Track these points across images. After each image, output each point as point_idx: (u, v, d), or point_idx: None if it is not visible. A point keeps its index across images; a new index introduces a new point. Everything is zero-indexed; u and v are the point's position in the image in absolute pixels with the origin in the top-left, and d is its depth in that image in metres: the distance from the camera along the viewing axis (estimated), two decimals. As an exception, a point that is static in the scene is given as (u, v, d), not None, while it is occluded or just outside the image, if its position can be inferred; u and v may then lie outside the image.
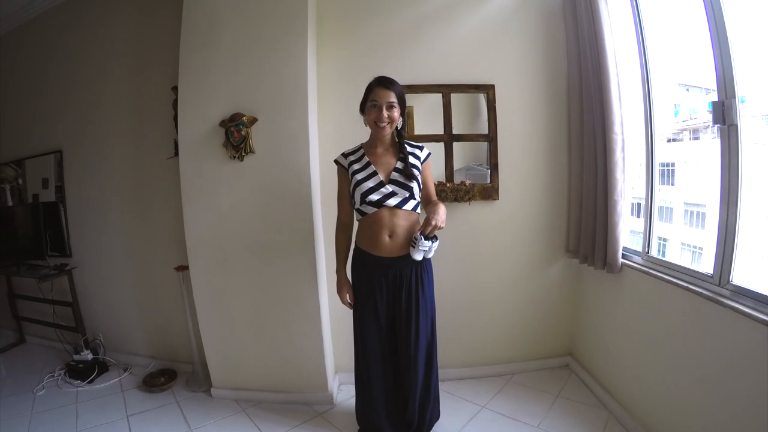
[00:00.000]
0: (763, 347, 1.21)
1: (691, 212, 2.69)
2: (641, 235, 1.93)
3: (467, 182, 2.25)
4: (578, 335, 2.40)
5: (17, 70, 2.95)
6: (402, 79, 2.17)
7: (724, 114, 1.36)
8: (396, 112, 1.61)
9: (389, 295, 1.66)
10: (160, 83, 2.35)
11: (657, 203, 1.88)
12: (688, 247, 2.61)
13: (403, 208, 1.61)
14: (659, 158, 1.87)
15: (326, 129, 2.20)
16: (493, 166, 2.27)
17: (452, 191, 2.23)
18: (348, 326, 1.81)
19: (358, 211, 1.66)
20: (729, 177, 1.39)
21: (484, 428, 1.95)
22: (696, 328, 1.51)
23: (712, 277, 1.47)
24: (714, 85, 1.40)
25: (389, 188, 1.60)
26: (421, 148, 1.73)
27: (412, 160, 1.66)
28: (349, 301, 1.75)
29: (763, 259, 1.66)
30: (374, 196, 1.60)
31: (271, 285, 2.12)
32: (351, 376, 1.86)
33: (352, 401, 1.91)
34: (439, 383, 1.83)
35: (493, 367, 2.40)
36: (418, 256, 1.54)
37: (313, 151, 2.07)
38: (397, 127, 1.65)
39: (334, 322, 2.29)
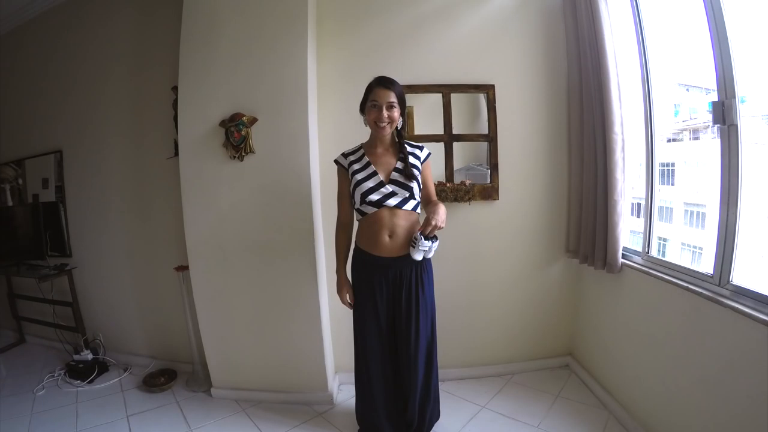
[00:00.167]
0: (763, 347, 1.21)
1: (691, 212, 2.69)
2: (641, 235, 1.93)
3: (467, 182, 2.25)
4: (578, 335, 2.40)
5: (17, 70, 2.95)
6: (402, 79, 2.17)
7: (724, 114, 1.36)
8: (396, 112, 1.61)
9: (389, 295, 1.66)
10: (160, 83, 2.35)
11: (657, 203, 1.88)
12: (688, 247, 2.61)
13: (403, 208, 1.61)
14: (659, 158, 1.87)
15: (326, 129, 2.20)
16: (493, 166, 2.27)
17: (452, 191, 2.23)
18: (348, 326, 1.81)
19: (358, 211, 1.66)
20: (729, 177, 1.39)
21: (484, 428, 1.95)
22: (696, 328, 1.51)
23: (712, 277, 1.47)
24: (714, 85, 1.40)
25: (389, 188, 1.60)
26: (421, 148, 1.73)
27: (412, 160, 1.66)
28: (349, 301, 1.75)
29: (763, 259, 1.66)
30: (374, 196, 1.60)
31: (271, 285, 2.12)
32: (351, 376, 1.86)
33: (352, 401, 1.91)
34: (440, 383, 1.83)
35: (493, 367, 2.40)
36: (418, 256, 1.54)
37: (313, 151, 2.07)
38: (397, 127, 1.65)
39: (334, 322, 2.29)
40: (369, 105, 1.61)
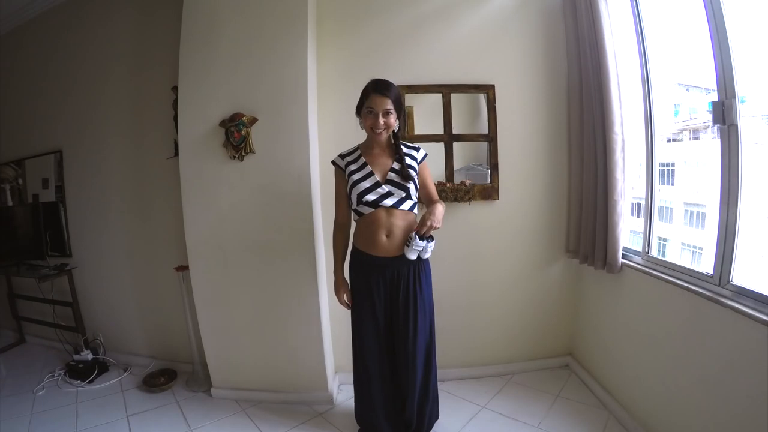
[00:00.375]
0: (763, 347, 1.21)
1: (691, 212, 2.69)
2: (641, 235, 1.93)
3: (467, 182, 2.25)
4: (578, 335, 2.40)
5: (17, 70, 2.95)
6: (402, 79, 2.19)
7: (724, 114, 1.36)
8: (392, 118, 1.60)
9: (387, 295, 1.66)
10: (160, 83, 2.35)
11: (657, 203, 1.88)
12: (688, 247, 2.61)
13: (400, 208, 1.61)
14: (659, 158, 1.87)
15: (326, 129, 2.20)
16: (493, 166, 2.27)
17: (452, 191, 2.23)
18: (348, 326, 1.81)
19: (355, 211, 1.66)
20: (729, 177, 1.39)
21: (484, 428, 1.95)
22: (696, 328, 1.51)
23: (712, 277, 1.47)
24: (714, 85, 1.40)
25: (386, 188, 1.61)
26: (417, 149, 1.73)
27: (408, 161, 1.66)
28: (346, 301, 1.75)
29: (763, 259, 1.66)
30: (371, 197, 1.60)
31: (271, 285, 2.12)
32: (351, 376, 1.86)
33: (352, 401, 1.90)
34: (440, 383, 1.83)
35: (493, 367, 2.40)
36: (413, 256, 1.55)
37: (313, 151, 2.07)
38: (393, 129, 1.65)
39: (334, 322, 2.29)
40: (365, 111, 1.60)
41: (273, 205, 2.06)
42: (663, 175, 2.26)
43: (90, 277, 2.79)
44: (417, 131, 2.24)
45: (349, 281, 1.77)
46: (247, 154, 2.03)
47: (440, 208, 1.56)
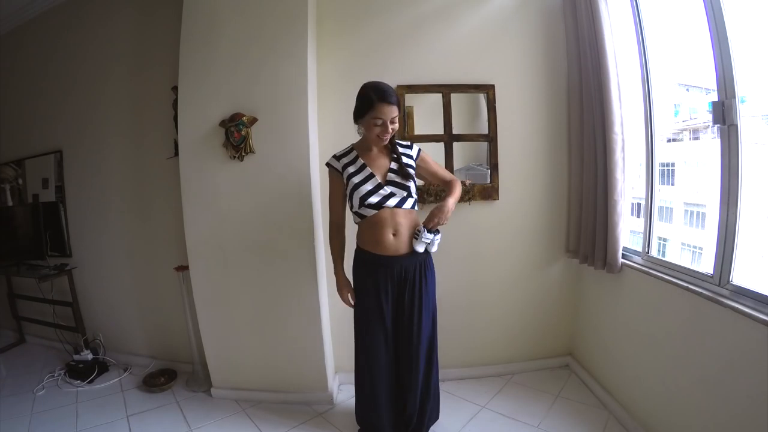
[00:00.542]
0: (763, 347, 1.21)
1: (691, 212, 2.69)
2: (641, 235, 1.93)
3: (467, 182, 2.24)
4: (578, 335, 2.40)
5: (17, 70, 2.95)
6: (402, 79, 2.19)
7: (724, 114, 1.36)
8: (397, 123, 1.59)
9: (394, 294, 1.66)
10: (160, 83, 2.35)
11: (657, 203, 1.88)
12: (688, 247, 2.61)
13: (403, 207, 1.62)
14: (659, 158, 1.87)
15: (326, 129, 2.20)
16: (493, 166, 2.27)
17: (452, 191, 2.23)
18: (348, 326, 1.80)
19: (357, 214, 1.65)
20: (729, 177, 1.39)
21: (484, 428, 1.95)
22: (696, 328, 1.51)
23: (712, 277, 1.47)
24: (714, 85, 1.40)
25: (388, 189, 1.61)
26: (410, 147, 1.73)
27: (404, 159, 1.66)
28: (350, 300, 1.75)
29: (763, 259, 1.66)
30: (374, 199, 1.59)
31: (271, 285, 2.12)
32: (351, 376, 1.86)
33: (352, 401, 1.91)
34: (440, 383, 1.83)
35: (493, 367, 2.40)
36: (421, 248, 1.60)
37: (313, 151, 2.07)
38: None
39: (334, 322, 2.29)
40: (371, 122, 1.55)
41: (273, 205, 2.06)
42: (663, 175, 2.27)
43: (90, 277, 2.79)
44: (417, 131, 2.24)
45: (352, 281, 1.76)
46: (247, 154, 2.03)
47: (450, 204, 1.61)
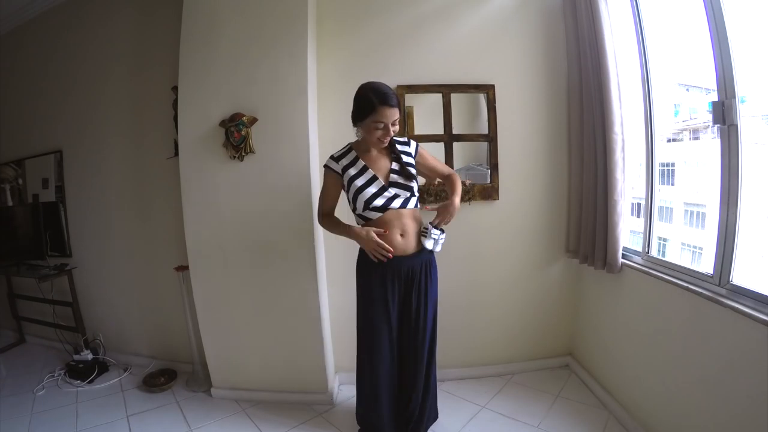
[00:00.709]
0: (763, 347, 1.21)
1: (691, 212, 2.69)
2: (641, 235, 1.93)
3: (467, 182, 2.24)
4: (578, 335, 2.40)
5: (17, 70, 2.95)
6: (402, 79, 2.19)
7: (724, 114, 1.36)
8: (397, 125, 1.58)
9: (400, 293, 1.65)
10: (160, 83, 2.35)
11: (657, 203, 1.88)
12: (688, 247, 2.61)
13: (407, 207, 1.62)
14: (659, 158, 1.87)
15: (326, 129, 2.20)
16: (493, 166, 2.27)
17: (452, 191, 2.23)
18: (348, 326, 1.81)
19: (361, 216, 1.64)
20: (729, 177, 1.39)
21: (484, 428, 1.95)
22: (696, 328, 1.51)
23: (712, 277, 1.47)
24: (714, 85, 1.40)
25: (392, 191, 1.60)
26: (408, 143, 1.72)
27: (404, 158, 1.65)
28: (376, 238, 1.55)
29: (763, 259, 1.66)
30: (379, 201, 1.58)
31: (271, 285, 2.12)
32: (351, 376, 1.86)
33: (352, 401, 1.91)
34: (440, 383, 1.84)
35: (493, 367, 2.40)
36: (430, 245, 1.62)
37: (313, 151, 2.07)
38: None
39: (334, 322, 2.29)
40: (372, 125, 1.53)
41: (273, 205, 2.06)
42: (663, 175, 2.27)
43: (90, 277, 2.79)
44: (417, 131, 2.24)
45: (357, 281, 1.74)
46: (247, 154, 2.03)
47: (456, 203, 1.64)
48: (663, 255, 1.88)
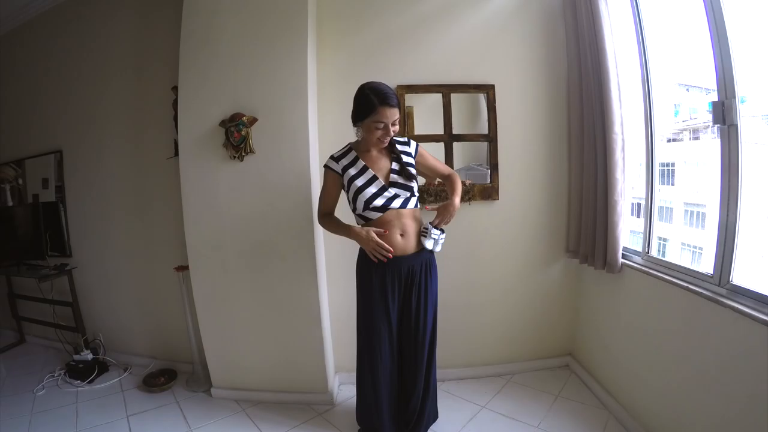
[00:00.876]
0: (763, 347, 1.21)
1: (691, 212, 2.69)
2: (641, 235, 1.93)
3: (467, 182, 2.25)
4: (578, 335, 2.40)
5: (17, 70, 2.94)
6: (402, 79, 2.20)
7: (724, 114, 1.36)
8: (397, 125, 1.58)
9: (401, 293, 1.65)
10: (160, 83, 2.35)
11: (657, 203, 1.88)
12: (688, 247, 2.61)
13: (407, 207, 1.62)
14: (659, 158, 1.87)
15: (326, 129, 2.20)
16: (493, 166, 2.27)
17: (452, 191, 2.23)
18: (348, 326, 1.81)
19: (361, 216, 1.64)
20: (729, 177, 1.39)
21: (484, 428, 1.95)
22: (696, 328, 1.51)
23: (712, 277, 1.47)
24: (714, 85, 1.40)
25: (392, 191, 1.60)
26: (408, 143, 1.72)
27: (405, 158, 1.66)
28: (375, 237, 1.55)
29: (763, 259, 1.66)
30: (379, 201, 1.58)
31: (271, 285, 2.12)
32: (351, 376, 1.86)
33: (352, 401, 1.91)
34: (440, 383, 1.83)
35: (493, 367, 2.40)
36: (430, 245, 1.62)
37: (313, 151, 2.07)
38: None
39: (334, 322, 2.29)
40: (372, 125, 1.53)
41: (273, 205, 2.06)
42: (663, 175, 2.26)
43: (90, 277, 2.79)
44: (417, 131, 2.24)
45: (357, 281, 1.74)
46: (247, 154, 2.03)
47: (456, 203, 1.65)
48: (663, 255, 1.88)
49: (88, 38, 2.61)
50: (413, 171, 1.65)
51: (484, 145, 2.29)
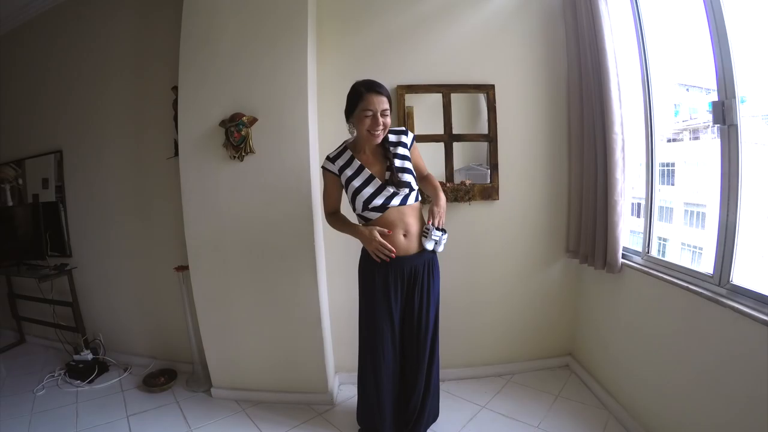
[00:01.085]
0: (763, 347, 1.21)
1: (691, 212, 2.69)
2: (641, 235, 1.93)
3: (467, 182, 2.25)
4: (578, 335, 2.40)
5: (17, 70, 2.94)
6: (402, 79, 2.20)
7: (724, 114, 1.36)
8: (389, 118, 1.57)
9: (403, 293, 1.65)
10: (160, 83, 2.35)
11: (657, 203, 1.88)
12: (688, 247, 2.61)
13: (407, 203, 1.61)
14: (659, 158, 1.87)
15: (326, 129, 2.20)
16: (493, 166, 2.27)
17: (452, 191, 2.23)
18: (348, 326, 1.81)
19: (361, 217, 1.64)
20: (729, 177, 1.39)
21: (484, 428, 1.95)
22: (696, 328, 1.51)
23: (712, 277, 1.47)
24: (714, 85, 1.40)
25: (390, 190, 1.59)
26: (405, 133, 1.70)
27: (400, 150, 1.65)
28: (379, 237, 1.55)
29: (763, 259, 1.66)
30: (378, 201, 1.58)
31: (271, 284, 2.11)
32: (351, 376, 1.86)
33: (352, 401, 1.91)
34: (441, 383, 1.82)
35: (493, 367, 2.40)
36: (431, 245, 1.60)
37: (313, 151, 2.07)
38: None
39: (334, 322, 2.29)
40: (361, 114, 1.53)
41: (273, 205, 2.06)
42: (663, 175, 2.26)
43: (90, 277, 2.79)
44: (417, 131, 2.23)
45: (359, 280, 1.74)
46: (247, 154, 2.03)
47: (442, 199, 1.63)
48: (663, 255, 1.88)
49: (88, 38, 2.61)
50: (409, 166, 1.64)
51: (484, 145, 2.30)
